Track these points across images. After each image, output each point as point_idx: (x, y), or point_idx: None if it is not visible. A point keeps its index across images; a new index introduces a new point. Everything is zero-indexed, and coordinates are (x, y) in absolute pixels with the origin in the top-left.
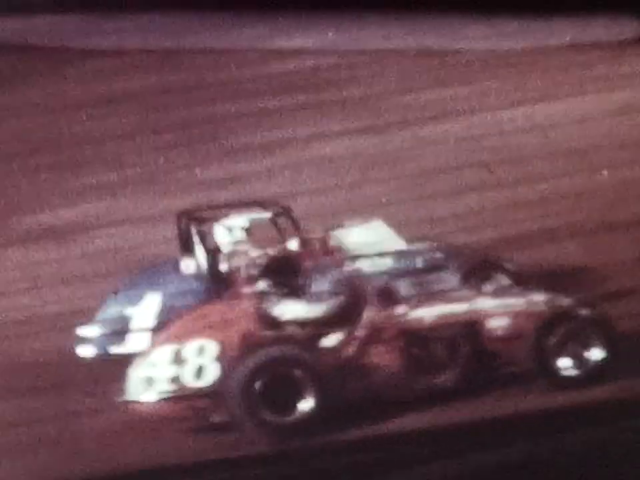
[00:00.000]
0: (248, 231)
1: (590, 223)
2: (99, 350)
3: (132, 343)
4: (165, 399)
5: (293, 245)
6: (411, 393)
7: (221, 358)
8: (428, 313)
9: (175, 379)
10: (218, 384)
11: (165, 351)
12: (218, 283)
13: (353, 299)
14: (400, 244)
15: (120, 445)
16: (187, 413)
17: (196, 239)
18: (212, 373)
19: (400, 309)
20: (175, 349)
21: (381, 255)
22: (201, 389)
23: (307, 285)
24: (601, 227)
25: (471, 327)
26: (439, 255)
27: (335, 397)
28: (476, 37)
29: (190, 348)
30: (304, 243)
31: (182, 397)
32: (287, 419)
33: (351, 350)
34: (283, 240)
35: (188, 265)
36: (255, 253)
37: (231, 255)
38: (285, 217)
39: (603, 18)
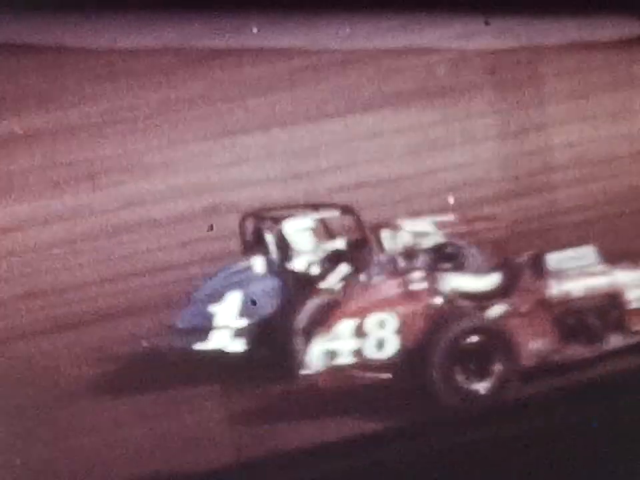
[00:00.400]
0: (313, 229)
1: None
2: (184, 345)
3: (215, 340)
4: (346, 372)
5: (340, 243)
6: (566, 360)
7: (401, 331)
8: (574, 286)
9: (357, 352)
10: (400, 355)
11: (347, 325)
12: (293, 280)
13: (509, 273)
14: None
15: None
16: (369, 384)
17: (269, 238)
18: (393, 345)
19: (550, 283)
20: (357, 323)
21: (430, 248)
22: (382, 361)
23: (467, 260)
24: None
25: (614, 299)
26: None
27: (515, 366)
28: (474, 35)
29: (371, 321)
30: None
31: (364, 369)
32: (480, 384)
33: (512, 321)
34: (332, 237)
35: (260, 264)
36: (324, 247)
37: (304, 251)
38: (349, 215)
39: (603, 17)
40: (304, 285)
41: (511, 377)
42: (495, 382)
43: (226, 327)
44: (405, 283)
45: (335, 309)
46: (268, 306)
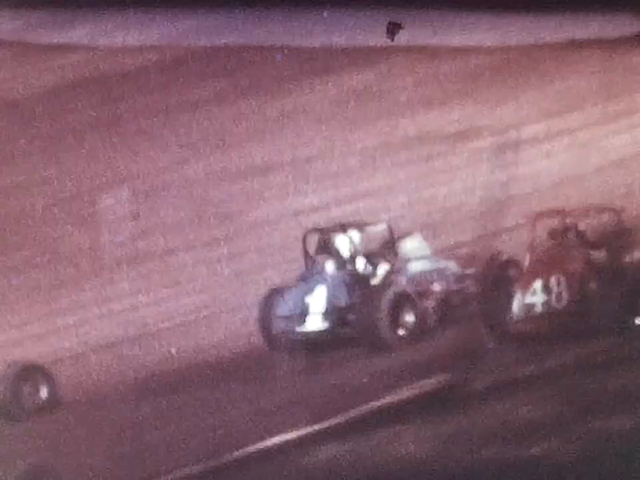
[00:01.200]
0: (359, 240)
1: None
2: (289, 329)
3: (311, 323)
4: (541, 318)
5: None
6: None
7: (568, 287)
8: None
9: (546, 303)
10: (572, 304)
11: (539, 284)
12: (357, 276)
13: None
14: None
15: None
16: (554, 327)
17: (337, 246)
18: (566, 298)
19: None
20: (544, 282)
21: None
22: (562, 309)
23: None
24: None
25: None
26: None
27: None
28: (472, 33)
29: (552, 280)
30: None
31: (553, 316)
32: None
33: None
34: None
35: (332, 265)
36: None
37: (360, 256)
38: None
39: (602, 15)
40: (363, 279)
41: None
42: None
43: (317, 312)
44: (566, 253)
45: (530, 274)
46: (345, 296)
